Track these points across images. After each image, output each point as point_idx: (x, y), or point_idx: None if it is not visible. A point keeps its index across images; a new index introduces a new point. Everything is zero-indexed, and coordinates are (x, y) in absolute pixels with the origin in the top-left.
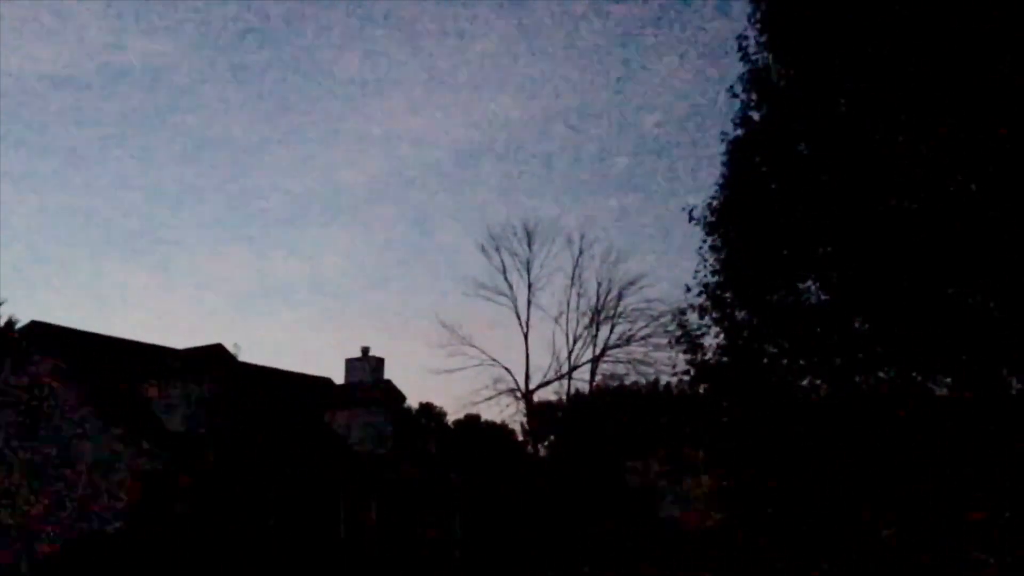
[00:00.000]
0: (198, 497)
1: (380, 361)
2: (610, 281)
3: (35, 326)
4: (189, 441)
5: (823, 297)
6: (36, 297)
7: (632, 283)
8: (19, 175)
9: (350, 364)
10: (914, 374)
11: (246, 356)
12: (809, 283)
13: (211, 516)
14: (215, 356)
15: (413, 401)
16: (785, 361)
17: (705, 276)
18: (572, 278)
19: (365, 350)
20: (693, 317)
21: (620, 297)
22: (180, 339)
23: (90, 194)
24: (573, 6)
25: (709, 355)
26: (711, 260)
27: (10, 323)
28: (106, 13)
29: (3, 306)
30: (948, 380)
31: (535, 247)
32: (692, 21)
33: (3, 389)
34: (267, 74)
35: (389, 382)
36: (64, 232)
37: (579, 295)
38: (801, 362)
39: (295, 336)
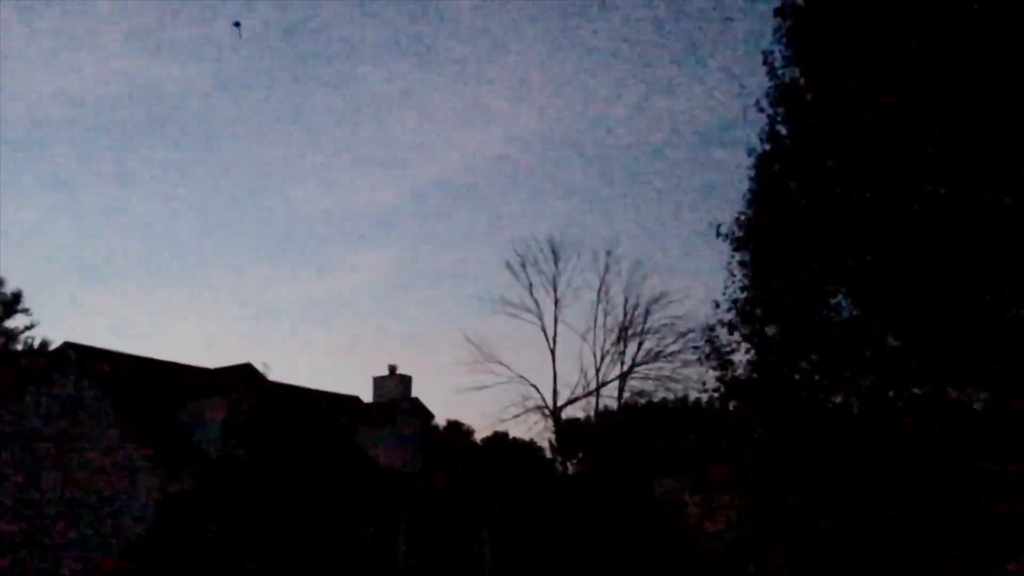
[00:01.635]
0: (228, 516)
1: (408, 379)
2: (637, 297)
3: (67, 347)
4: (219, 460)
5: (855, 312)
6: (67, 318)
7: (659, 299)
8: (49, 197)
9: (378, 382)
10: (949, 389)
11: (275, 375)
12: (840, 298)
13: (241, 535)
14: (245, 375)
15: (441, 419)
16: (817, 377)
17: (734, 292)
18: (598, 294)
19: (393, 368)
20: (722, 333)
21: (647, 313)
22: (210, 359)
23: (121, 216)
24: (599, 22)
25: (739, 371)
26: (740, 276)
27: (44, 344)
28: (133, 36)
29: (35, 328)
30: (984, 395)
31: (561, 263)
32: (718, 36)
33: (36, 409)
34: (293, 94)
35: (417, 400)
36: (94, 254)
37: (606, 311)
38: (833, 378)
39: (323, 355)
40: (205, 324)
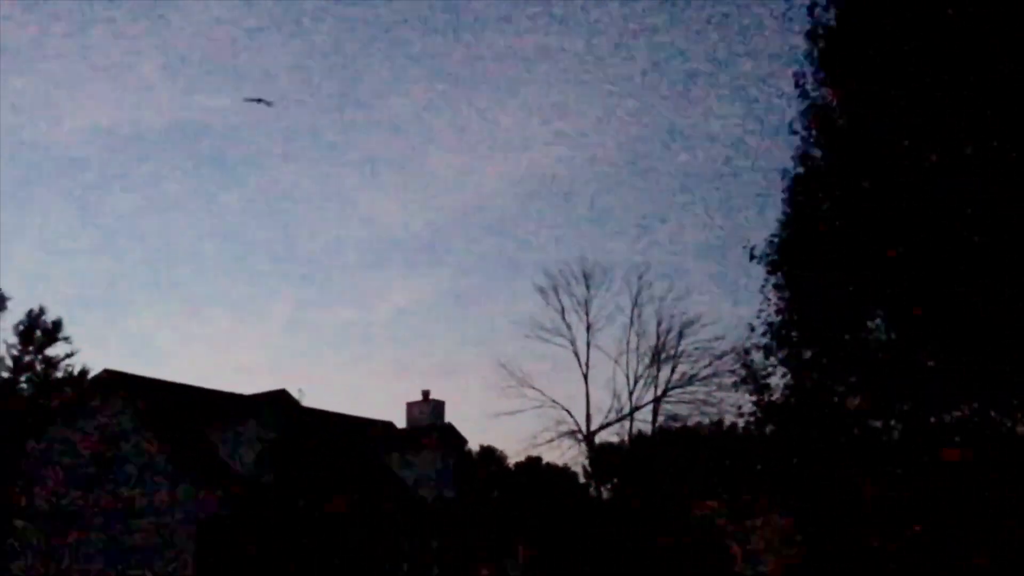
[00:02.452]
0: (265, 540)
1: (441, 404)
2: (670, 320)
3: (107, 374)
4: (256, 486)
5: (893, 334)
6: (106, 346)
7: (692, 322)
8: (87, 227)
9: (411, 408)
10: (992, 412)
11: (309, 401)
12: (878, 320)
13: (277, 560)
14: (279, 401)
15: (474, 444)
16: (855, 401)
17: (769, 315)
18: (631, 318)
19: (426, 393)
20: (758, 357)
21: (680, 336)
22: (245, 385)
23: (157, 244)
24: (626, 45)
25: (776, 395)
26: (775, 299)
27: (83, 372)
28: (168, 67)
29: (75, 355)
30: None
31: (593, 287)
32: (749, 58)
33: (76, 435)
34: (327, 123)
35: (450, 425)
36: (132, 282)
37: (638, 335)
38: (872, 402)
39: (357, 381)
40: (240, 350)
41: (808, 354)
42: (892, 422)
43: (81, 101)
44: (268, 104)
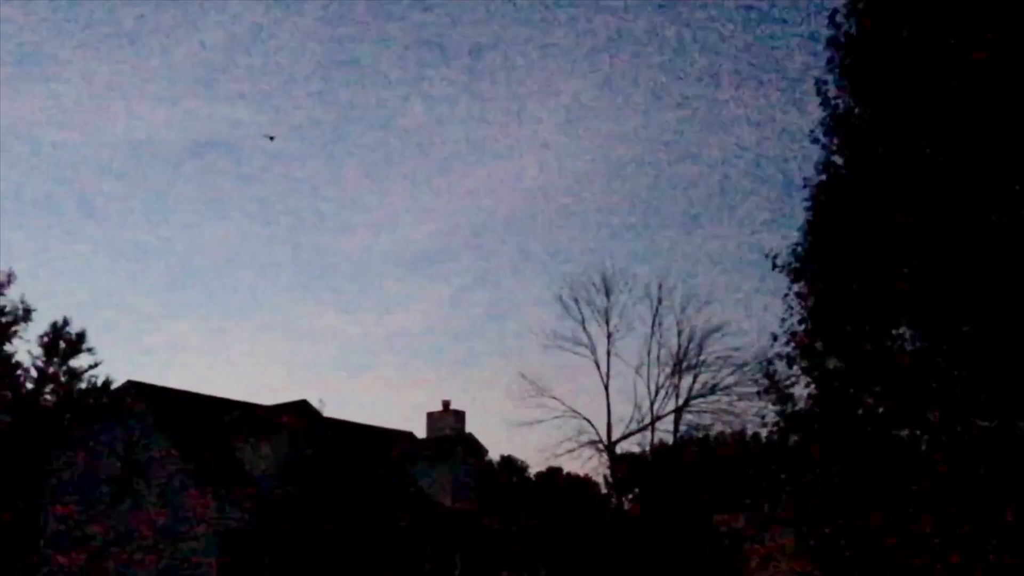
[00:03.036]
0: (286, 550)
1: (461, 415)
2: (691, 329)
3: (131, 385)
4: (277, 496)
5: (919, 343)
6: (129, 357)
7: (714, 331)
8: (111, 239)
9: (432, 418)
10: (1021, 423)
11: (330, 411)
12: (904, 329)
13: (298, 570)
14: (301, 412)
15: (495, 454)
16: (881, 411)
17: (792, 324)
18: (652, 327)
19: (446, 404)
20: (781, 366)
21: (702, 346)
22: (266, 395)
23: (178, 256)
24: (646, 55)
25: (800, 405)
26: (798, 307)
27: (107, 383)
28: (194, 81)
29: (99, 366)
30: None
31: (613, 296)
32: (769, 66)
33: (100, 446)
34: (346, 134)
35: (471, 435)
36: (154, 292)
37: (660, 344)
38: (898, 412)
39: (377, 391)
40: (261, 361)
41: (832, 363)
42: (919, 432)
43: (105, 113)
44: (270, 139)
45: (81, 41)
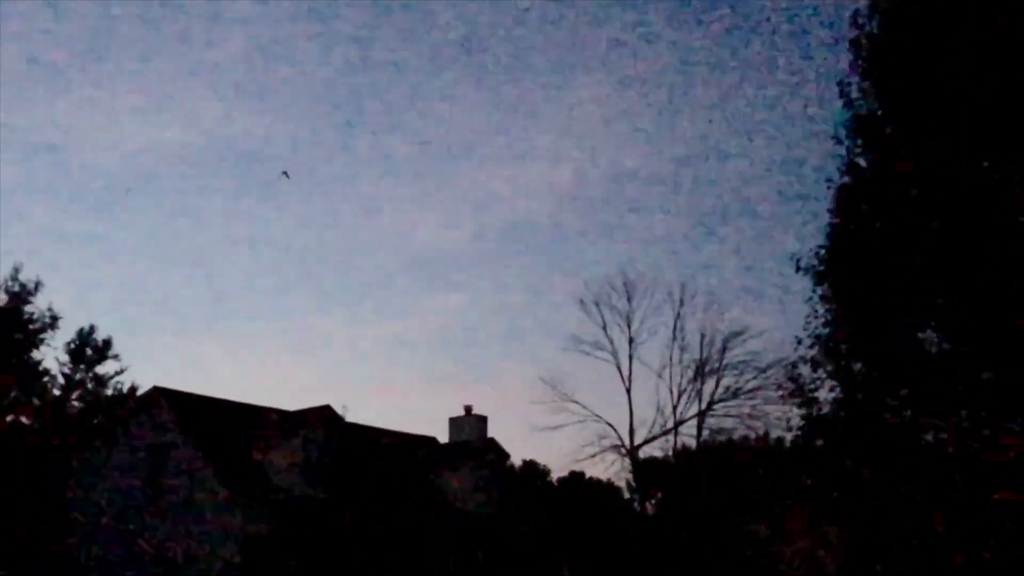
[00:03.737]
0: (309, 555)
1: (483, 419)
2: (713, 333)
3: (156, 391)
4: (300, 500)
5: (945, 345)
6: (154, 363)
7: (737, 334)
8: (136, 246)
9: (454, 423)
10: None
11: (353, 416)
12: (929, 332)
13: (322, 574)
14: (323, 417)
15: (517, 459)
16: (907, 414)
17: (817, 327)
18: (674, 331)
19: (468, 408)
20: (806, 370)
21: (725, 349)
22: (289, 401)
23: (201, 262)
24: (667, 59)
25: (824, 409)
26: (822, 311)
27: (132, 389)
28: (219, 91)
29: (124, 373)
30: None
31: (634, 300)
32: (790, 67)
33: (125, 451)
34: (366, 141)
35: (493, 440)
36: (177, 299)
37: (682, 348)
38: (924, 415)
39: (399, 396)
40: (284, 367)
41: (858, 367)
42: (945, 436)
43: (132, 121)
44: (287, 176)
45: (110, 50)
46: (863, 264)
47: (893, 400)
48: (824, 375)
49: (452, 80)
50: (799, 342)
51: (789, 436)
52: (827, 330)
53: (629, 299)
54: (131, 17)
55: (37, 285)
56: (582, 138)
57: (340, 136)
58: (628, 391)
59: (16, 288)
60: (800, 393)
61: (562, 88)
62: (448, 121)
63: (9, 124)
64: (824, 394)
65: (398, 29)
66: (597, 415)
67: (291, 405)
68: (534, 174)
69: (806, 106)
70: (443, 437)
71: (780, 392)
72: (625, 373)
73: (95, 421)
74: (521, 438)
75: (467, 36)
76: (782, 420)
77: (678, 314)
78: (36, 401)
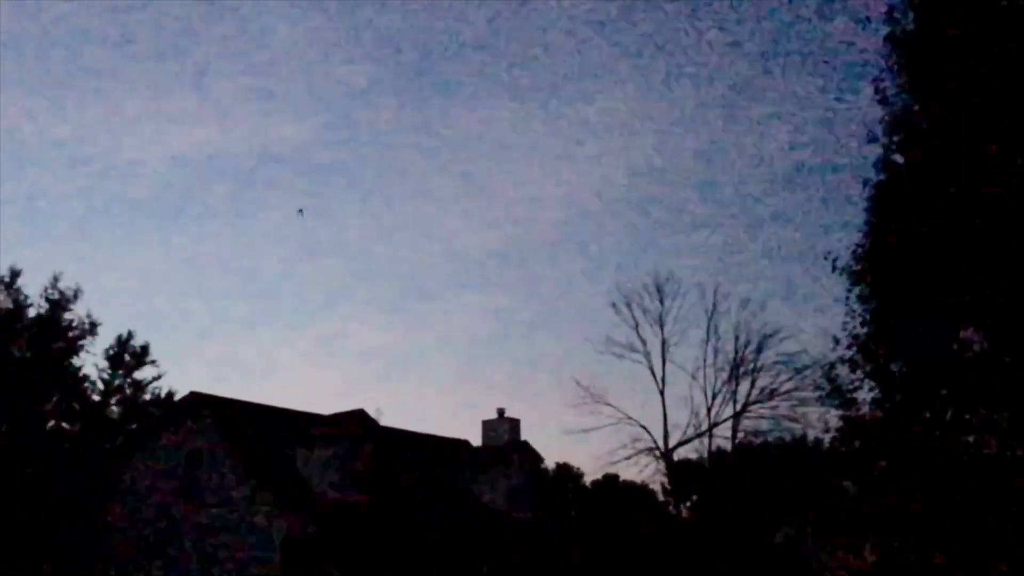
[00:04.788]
0: (346, 562)
1: (516, 422)
2: (748, 333)
3: (193, 396)
4: (337, 505)
5: (986, 345)
6: (192, 369)
7: (771, 335)
8: (173, 252)
9: (487, 426)
10: None
11: (387, 420)
12: (971, 331)
13: None
14: (358, 421)
15: (550, 462)
16: (948, 415)
17: (854, 328)
18: (707, 332)
19: (501, 411)
20: (843, 371)
21: (760, 350)
22: (324, 405)
23: (237, 267)
24: (701, 58)
25: (863, 410)
26: (859, 311)
27: (170, 394)
28: (250, 96)
29: (162, 378)
30: None
31: (667, 302)
32: (824, 65)
33: (164, 456)
34: (398, 144)
35: (526, 443)
36: (214, 305)
37: (716, 349)
38: (966, 416)
39: (432, 399)
40: (318, 371)
41: (896, 367)
42: (987, 437)
43: (166, 127)
44: (301, 213)
45: (141, 56)
46: (901, 263)
47: (933, 400)
48: (862, 375)
49: (484, 82)
50: (836, 342)
51: (827, 438)
52: (865, 330)
53: (661, 300)
54: (173, 22)
55: (76, 292)
56: (614, 138)
57: (375, 139)
58: (662, 393)
59: (56, 296)
60: (838, 394)
61: (595, 89)
62: (485, 123)
63: (49, 130)
64: (863, 395)
65: (431, 30)
66: (631, 417)
67: (325, 409)
68: (566, 176)
69: (843, 105)
70: (476, 440)
71: (817, 393)
72: (658, 375)
73: (133, 426)
74: (554, 441)
75: (497, 39)
76: (819, 422)
77: (711, 315)
78: (76, 406)
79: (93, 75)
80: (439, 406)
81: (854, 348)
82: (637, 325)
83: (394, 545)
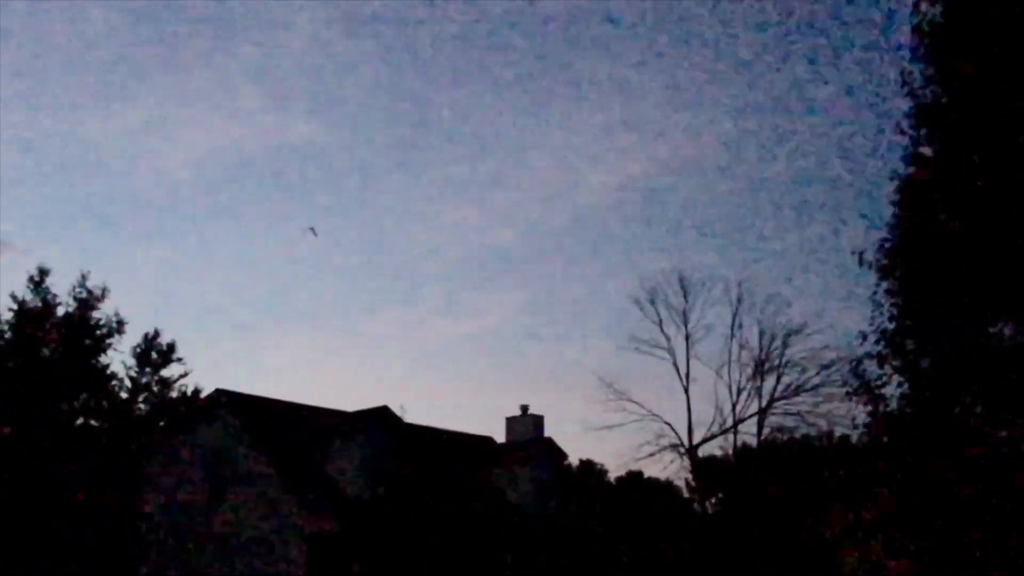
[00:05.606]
0: (372, 558)
1: (540, 419)
2: (773, 329)
3: (219, 393)
4: (362, 502)
5: (1019, 339)
6: (218, 367)
7: (797, 331)
8: (195, 252)
9: (511, 422)
10: None
11: (410, 417)
12: (1001, 325)
13: (385, 575)
14: (382, 417)
15: (573, 458)
16: (979, 410)
17: (882, 323)
18: (732, 328)
19: (525, 408)
20: (871, 366)
21: (785, 346)
22: (348, 402)
23: (260, 266)
24: (720, 51)
25: (891, 406)
26: (887, 305)
27: (196, 391)
28: (269, 97)
29: (188, 376)
30: None
31: (691, 297)
32: (849, 58)
33: (190, 453)
34: (421, 139)
35: (550, 440)
36: (239, 303)
37: (740, 345)
38: (998, 411)
39: (455, 396)
40: (342, 368)
41: (926, 362)
42: (1019, 433)
43: (190, 125)
44: (314, 233)
45: (165, 57)
46: (930, 256)
47: (964, 396)
48: (891, 371)
49: (506, 77)
50: (864, 337)
51: (854, 434)
52: (893, 325)
53: (685, 296)
54: (198, 24)
55: (104, 291)
56: (637, 134)
57: (394, 134)
58: (686, 389)
59: (84, 295)
60: (866, 390)
61: (616, 85)
62: (508, 118)
63: (74, 130)
64: (891, 390)
65: (446, 24)
66: (655, 414)
67: (349, 406)
68: (589, 171)
69: (869, 97)
70: (499, 437)
71: (845, 389)
72: (682, 371)
73: (161, 423)
74: (578, 437)
75: (514, 32)
76: (846, 418)
77: (736, 311)
78: (104, 404)
79: (113, 74)
80: (462, 403)
81: (882, 343)
82: (661, 321)
83: (418, 542)
